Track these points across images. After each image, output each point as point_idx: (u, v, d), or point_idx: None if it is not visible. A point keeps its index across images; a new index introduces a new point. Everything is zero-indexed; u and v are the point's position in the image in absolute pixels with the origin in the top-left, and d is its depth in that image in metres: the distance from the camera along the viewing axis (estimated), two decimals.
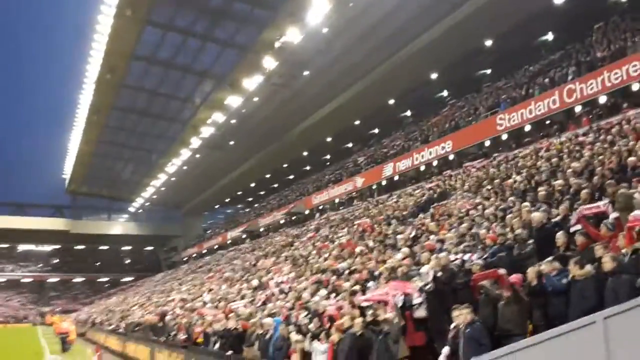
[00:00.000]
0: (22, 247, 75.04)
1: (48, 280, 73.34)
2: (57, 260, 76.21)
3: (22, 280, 71.98)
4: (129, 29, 30.19)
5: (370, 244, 14.49)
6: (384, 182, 28.81)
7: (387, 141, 33.44)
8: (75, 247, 75.63)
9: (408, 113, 35.79)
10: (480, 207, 12.00)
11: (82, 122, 43.71)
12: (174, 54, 33.59)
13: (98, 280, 74.53)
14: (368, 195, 29.76)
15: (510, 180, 12.88)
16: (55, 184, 67.93)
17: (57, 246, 75.57)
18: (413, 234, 13.02)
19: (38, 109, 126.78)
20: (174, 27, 31.13)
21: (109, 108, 40.80)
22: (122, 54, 32.85)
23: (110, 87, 37.06)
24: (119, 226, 73.45)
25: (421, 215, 15.34)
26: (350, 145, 40.98)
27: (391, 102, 34.13)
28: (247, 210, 56.51)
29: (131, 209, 68.96)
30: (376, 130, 38.06)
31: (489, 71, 29.29)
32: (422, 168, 25.93)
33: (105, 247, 77.28)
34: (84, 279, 74.56)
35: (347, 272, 12.37)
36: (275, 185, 50.68)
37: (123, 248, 78.87)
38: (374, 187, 29.87)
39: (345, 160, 38.00)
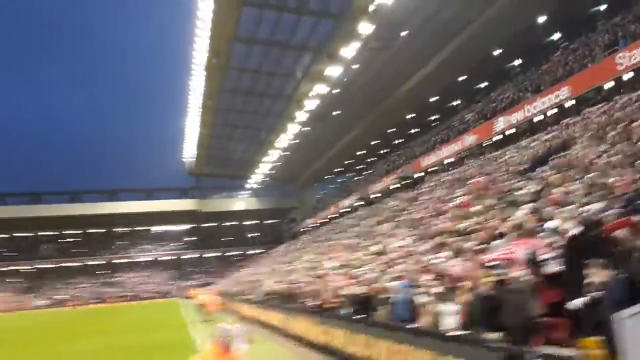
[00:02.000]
0: (158, 229, 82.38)
1: (184, 257, 79.88)
2: (190, 238, 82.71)
3: (162, 259, 79.17)
4: (229, 11, 31.30)
5: (488, 202, 14.22)
6: (495, 138, 27.74)
7: (495, 95, 31.96)
8: (204, 225, 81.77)
9: (516, 62, 33.80)
10: (605, 154, 11.32)
11: (197, 107, 46.37)
12: (271, 32, 34.34)
13: (228, 254, 79.89)
14: (479, 152, 28.86)
15: (638, 123, 11.94)
16: (178, 167, 73.31)
17: (189, 225, 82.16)
18: (534, 188, 12.60)
19: (154, 99, 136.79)
20: (268, 4, 31.77)
21: (218, 91, 42.86)
22: (225, 37, 34.15)
23: (217, 71, 38.84)
24: (241, 202, 78.04)
25: (540, 169, 14.73)
26: (456, 102, 39.69)
27: (497, 52, 32.44)
28: (358, 178, 57.09)
29: (250, 186, 72.55)
30: (483, 84, 36.44)
31: (604, 7, 26.76)
32: (537, 119, 24.59)
33: (231, 223, 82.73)
34: (215, 254, 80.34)
35: (467, 232, 12.32)
36: (383, 151, 50.62)
37: (247, 223, 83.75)
38: (486, 143, 28.87)
39: (452, 119, 36.94)
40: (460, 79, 35.95)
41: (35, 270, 75.73)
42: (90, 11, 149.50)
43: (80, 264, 76.82)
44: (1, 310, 63.04)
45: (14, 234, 78.07)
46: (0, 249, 77.77)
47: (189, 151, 62.25)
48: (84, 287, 73.23)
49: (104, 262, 77.71)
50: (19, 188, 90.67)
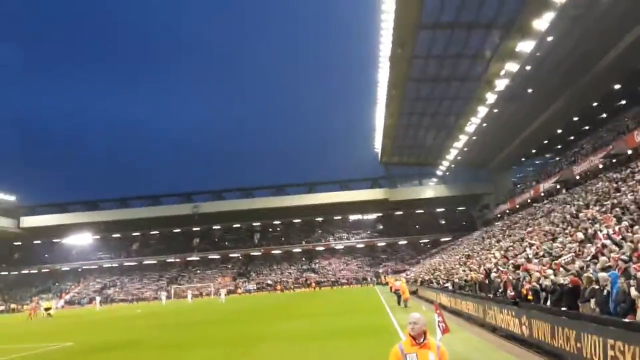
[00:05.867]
0: (352, 217, 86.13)
1: (377, 245, 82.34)
2: (382, 226, 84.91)
3: (357, 246, 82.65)
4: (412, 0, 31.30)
5: None
6: None
7: None
8: (395, 213, 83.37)
9: None
10: None
11: (384, 98, 47.21)
12: (456, 14, 33.38)
13: (419, 241, 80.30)
14: None
15: None
16: (369, 157, 75.64)
17: (380, 214, 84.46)
18: None
19: (346, 91, 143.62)
20: None
21: (404, 80, 43.01)
22: (409, 26, 34.17)
23: (402, 61, 39.01)
24: (430, 190, 77.59)
25: None
26: None
27: None
28: (558, 158, 52.67)
29: (439, 172, 71.75)
30: None
31: None
32: None
33: (421, 211, 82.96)
34: (406, 241, 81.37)
35: None
36: (586, 128, 45.84)
37: (437, 210, 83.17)
38: None
39: None
40: None
41: (246, 257, 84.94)
42: (287, 18, 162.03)
43: (284, 251, 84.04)
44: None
45: (230, 225, 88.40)
46: (218, 239, 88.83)
47: (379, 142, 63.66)
48: (289, 272, 79.88)
49: (305, 249, 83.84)
50: (233, 184, 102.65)
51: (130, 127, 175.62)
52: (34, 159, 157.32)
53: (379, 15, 34.20)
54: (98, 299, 66.73)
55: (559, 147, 53.92)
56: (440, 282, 30.98)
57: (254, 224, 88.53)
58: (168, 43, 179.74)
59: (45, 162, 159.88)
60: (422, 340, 4.82)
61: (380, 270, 73.87)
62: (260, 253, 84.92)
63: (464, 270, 27.30)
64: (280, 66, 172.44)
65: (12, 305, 72.57)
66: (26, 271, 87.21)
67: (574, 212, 24.31)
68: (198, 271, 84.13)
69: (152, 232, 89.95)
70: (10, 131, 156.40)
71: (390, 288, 40.29)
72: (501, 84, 36.81)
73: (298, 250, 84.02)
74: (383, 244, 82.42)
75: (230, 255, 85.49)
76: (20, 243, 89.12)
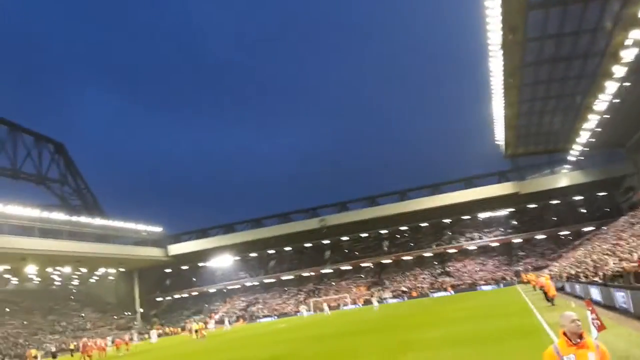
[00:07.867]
0: (482, 215, 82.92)
1: (513, 241, 78.42)
2: (516, 221, 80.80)
3: (491, 245, 79.39)
4: None
5: None
6: None
7: None
8: (528, 207, 78.97)
9: None
10: None
11: (500, 88, 45.19)
12: None
13: (559, 234, 75.23)
14: None
15: None
16: (492, 151, 72.54)
17: (512, 209, 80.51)
18: None
19: (460, 87, 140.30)
20: None
21: (520, 66, 40.96)
22: (517, 9, 32.67)
23: (515, 46, 37.24)
24: (563, 178, 72.58)
25: None
26: None
27: None
28: None
29: (571, 158, 66.88)
30: None
31: None
32: None
33: (557, 201, 77.81)
34: (545, 235, 76.60)
35: None
36: None
37: (575, 198, 77.44)
38: None
39: None
40: None
41: (377, 265, 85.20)
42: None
43: (414, 256, 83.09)
44: (357, 302, 72.80)
45: (358, 235, 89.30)
46: (347, 250, 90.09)
47: (501, 134, 60.92)
48: (422, 277, 78.80)
49: (436, 252, 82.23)
50: (357, 195, 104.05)
51: (256, 155, 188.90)
52: (175, 192, 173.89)
53: (484, 2, 33.05)
54: (227, 320, 70.72)
55: None
56: (589, 275, 28.92)
57: (381, 231, 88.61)
58: (282, 81, 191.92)
59: (185, 195, 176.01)
60: (579, 340, 4.59)
61: (520, 268, 70.30)
62: (391, 260, 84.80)
63: (614, 261, 25.32)
64: (391, 69, 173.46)
65: (168, 329, 78.97)
66: (177, 295, 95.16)
67: None
68: (333, 283, 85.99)
69: (285, 249, 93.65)
70: (149, 171, 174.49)
71: (534, 286, 38.33)
72: (629, 54, 33.69)
73: (429, 254, 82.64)
74: (519, 240, 78.24)
75: (362, 265, 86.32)
76: (170, 270, 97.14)
